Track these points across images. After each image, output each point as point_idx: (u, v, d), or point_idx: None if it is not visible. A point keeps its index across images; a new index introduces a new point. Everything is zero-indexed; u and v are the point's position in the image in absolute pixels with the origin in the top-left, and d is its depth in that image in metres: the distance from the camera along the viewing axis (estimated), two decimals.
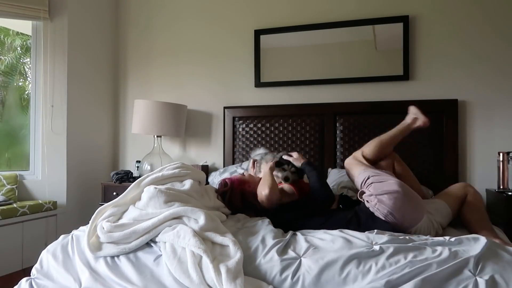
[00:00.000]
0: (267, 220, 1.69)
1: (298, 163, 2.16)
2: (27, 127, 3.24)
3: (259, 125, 3.28)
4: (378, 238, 1.38)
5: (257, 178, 2.08)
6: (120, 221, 1.53)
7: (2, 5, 2.93)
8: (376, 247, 1.31)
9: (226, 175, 3.07)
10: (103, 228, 1.49)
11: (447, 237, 1.39)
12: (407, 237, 1.44)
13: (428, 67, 3.01)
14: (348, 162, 2.18)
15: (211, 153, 3.51)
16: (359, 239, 1.38)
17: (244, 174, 2.19)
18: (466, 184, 2.08)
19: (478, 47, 2.91)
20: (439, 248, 1.29)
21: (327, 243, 1.37)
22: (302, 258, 1.31)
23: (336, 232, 1.50)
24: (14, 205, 2.78)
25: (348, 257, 1.27)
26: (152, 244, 1.47)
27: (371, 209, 1.74)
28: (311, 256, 1.31)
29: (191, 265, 1.28)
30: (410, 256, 1.25)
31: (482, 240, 1.32)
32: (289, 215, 1.79)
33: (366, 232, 1.51)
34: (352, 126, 3.08)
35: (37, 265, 1.53)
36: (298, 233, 1.52)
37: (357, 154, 2.20)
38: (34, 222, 2.88)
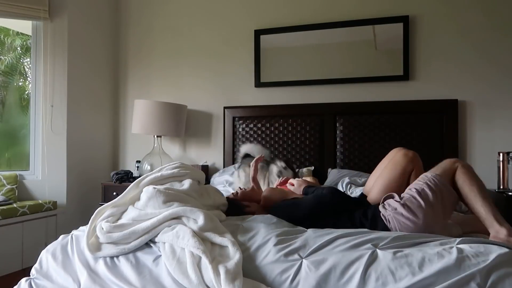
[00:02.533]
0: (267, 217, 1.68)
1: (299, 191, 2.03)
2: (27, 127, 3.25)
3: (259, 125, 3.28)
4: (382, 240, 1.35)
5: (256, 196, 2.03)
6: (119, 222, 1.53)
7: (2, 5, 2.93)
8: (379, 251, 1.28)
9: (226, 176, 3.07)
10: (102, 228, 1.49)
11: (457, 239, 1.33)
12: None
13: (428, 67, 3.01)
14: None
15: (211, 153, 3.51)
16: (363, 241, 1.35)
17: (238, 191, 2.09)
18: (455, 160, 1.75)
19: (478, 47, 2.91)
20: (445, 254, 1.23)
21: (330, 243, 1.35)
22: (304, 260, 1.29)
23: (341, 231, 1.49)
24: (14, 205, 2.78)
25: (350, 262, 1.24)
26: (152, 245, 1.46)
27: (382, 212, 1.64)
28: (313, 258, 1.29)
29: (190, 265, 1.27)
30: (414, 263, 1.21)
31: (495, 248, 1.23)
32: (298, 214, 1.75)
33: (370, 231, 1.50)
34: (352, 126, 3.08)
35: (36, 265, 1.52)
36: (301, 233, 1.49)
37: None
38: (34, 222, 2.89)
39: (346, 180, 2.56)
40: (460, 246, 1.28)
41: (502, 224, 1.56)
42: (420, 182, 1.67)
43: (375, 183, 2.00)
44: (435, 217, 1.59)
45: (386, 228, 1.61)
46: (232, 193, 2.09)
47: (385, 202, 1.68)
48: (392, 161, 1.95)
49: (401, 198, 1.64)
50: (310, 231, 1.51)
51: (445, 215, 1.66)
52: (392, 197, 1.69)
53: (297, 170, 3.04)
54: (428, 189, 1.62)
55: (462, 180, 1.66)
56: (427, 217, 1.56)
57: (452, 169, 1.69)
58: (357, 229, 1.52)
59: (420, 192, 1.61)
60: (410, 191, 1.66)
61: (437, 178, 1.65)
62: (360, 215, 1.69)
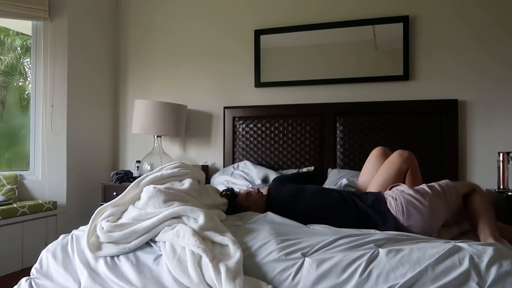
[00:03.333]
0: (268, 216, 1.67)
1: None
2: (27, 127, 3.24)
3: (259, 125, 3.28)
4: (385, 240, 1.36)
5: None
6: (120, 221, 1.53)
7: (2, 5, 2.93)
8: (381, 250, 1.28)
9: (226, 176, 3.07)
10: (103, 228, 1.49)
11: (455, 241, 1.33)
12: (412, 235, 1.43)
13: (428, 67, 3.01)
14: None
15: (211, 153, 3.51)
16: (366, 241, 1.35)
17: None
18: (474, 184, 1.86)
19: (478, 47, 2.91)
20: (445, 252, 1.23)
21: (333, 243, 1.35)
22: (306, 258, 1.29)
23: (345, 230, 1.49)
24: (14, 205, 2.78)
25: (352, 260, 1.24)
26: (152, 244, 1.46)
27: (389, 199, 1.70)
28: (315, 257, 1.29)
29: (191, 264, 1.27)
30: (414, 260, 1.21)
31: (490, 247, 1.24)
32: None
33: (372, 230, 1.50)
34: (352, 126, 3.08)
35: (36, 265, 1.52)
36: (304, 233, 1.49)
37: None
38: (34, 222, 2.88)
39: (344, 181, 2.53)
40: (460, 244, 1.29)
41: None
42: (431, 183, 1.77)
43: (371, 183, 2.03)
44: (440, 208, 1.64)
45: (387, 210, 1.65)
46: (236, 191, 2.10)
47: (394, 188, 1.77)
48: (388, 161, 2.02)
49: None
50: (313, 231, 1.51)
51: (449, 214, 1.69)
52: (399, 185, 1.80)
53: (297, 170, 3.05)
54: (437, 185, 1.72)
55: (480, 199, 1.72)
56: (433, 204, 1.62)
57: (469, 186, 1.78)
58: (360, 230, 1.52)
59: (429, 185, 1.71)
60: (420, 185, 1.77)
61: (448, 182, 1.75)
62: (361, 201, 1.74)
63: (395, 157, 2.00)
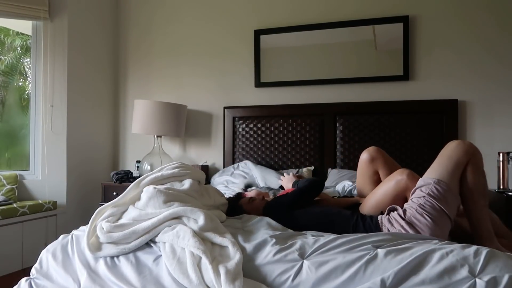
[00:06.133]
0: (266, 219, 1.67)
1: (289, 185, 2.03)
2: (27, 127, 3.24)
3: (259, 125, 3.28)
4: (383, 241, 1.35)
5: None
6: (120, 221, 1.53)
7: (2, 5, 2.93)
8: (380, 251, 1.28)
9: (226, 176, 3.07)
10: (103, 228, 1.49)
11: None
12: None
13: (428, 67, 3.01)
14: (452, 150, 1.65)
15: (211, 153, 3.51)
16: (364, 242, 1.34)
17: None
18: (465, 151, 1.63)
19: (478, 47, 2.91)
20: (444, 253, 1.22)
21: (331, 244, 1.35)
22: (304, 261, 1.29)
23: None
24: (14, 205, 2.78)
25: (351, 262, 1.24)
26: (152, 244, 1.46)
27: (388, 227, 1.53)
28: (313, 259, 1.28)
29: (190, 265, 1.27)
30: (414, 262, 1.20)
31: (484, 250, 1.21)
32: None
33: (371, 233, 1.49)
34: (352, 126, 3.08)
35: (36, 265, 1.52)
36: (301, 235, 1.49)
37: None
38: (34, 222, 2.88)
39: (348, 185, 2.47)
40: (458, 245, 1.29)
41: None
42: (423, 193, 1.55)
43: (370, 200, 1.81)
44: (442, 231, 1.51)
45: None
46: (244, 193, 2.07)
47: (390, 215, 1.58)
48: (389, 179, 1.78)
49: (404, 211, 1.55)
50: (310, 233, 1.51)
51: (451, 222, 1.56)
52: (396, 209, 1.59)
53: (297, 170, 3.05)
54: (431, 203, 1.51)
55: (472, 186, 1.57)
56: (434, 235, 1.47)
57: (462, 163, 1.60)
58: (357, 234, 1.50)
59: (424, 208, 1.51)
60: (413, 204, 1.55)
61: (441, 186, 1.54)
62: (368, 221, 1.60)
63: (397, 177, 1.75)
